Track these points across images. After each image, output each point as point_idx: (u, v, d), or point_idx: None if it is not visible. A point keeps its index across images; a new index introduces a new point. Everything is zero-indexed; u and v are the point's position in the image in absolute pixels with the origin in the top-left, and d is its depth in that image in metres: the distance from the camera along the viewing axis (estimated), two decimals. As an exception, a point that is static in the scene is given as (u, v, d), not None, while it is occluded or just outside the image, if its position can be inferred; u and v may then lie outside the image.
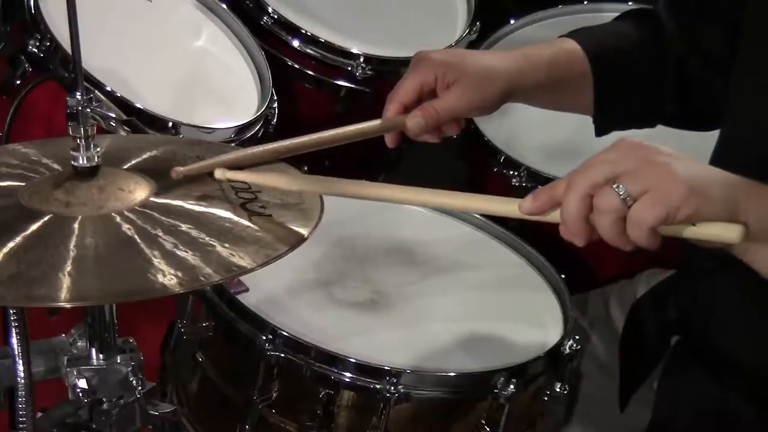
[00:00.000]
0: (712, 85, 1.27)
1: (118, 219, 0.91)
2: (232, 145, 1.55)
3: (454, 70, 1.20)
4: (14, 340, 0.99)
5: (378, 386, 1.20)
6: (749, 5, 1.17)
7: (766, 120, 1.13)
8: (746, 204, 0.93)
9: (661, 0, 1.33)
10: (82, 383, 1.01)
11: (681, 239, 0.93)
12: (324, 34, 1.85)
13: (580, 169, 0.93)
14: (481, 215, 1.54)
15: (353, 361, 1.21)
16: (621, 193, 0.90)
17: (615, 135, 1.33)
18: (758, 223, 0.93)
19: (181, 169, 0.99)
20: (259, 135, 1.65)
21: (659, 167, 0.91)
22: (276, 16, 1.84)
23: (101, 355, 1.03)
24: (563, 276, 1.44)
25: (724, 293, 1.20)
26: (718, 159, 1.22)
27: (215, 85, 1.72)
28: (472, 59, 1.23)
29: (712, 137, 1.26)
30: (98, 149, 0.96)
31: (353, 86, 1.86)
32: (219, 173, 1.01)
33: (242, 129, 1.61)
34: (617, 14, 1.41)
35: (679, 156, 0.93)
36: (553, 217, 0.95)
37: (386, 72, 1.85)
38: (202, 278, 0.85)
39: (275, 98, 1.72)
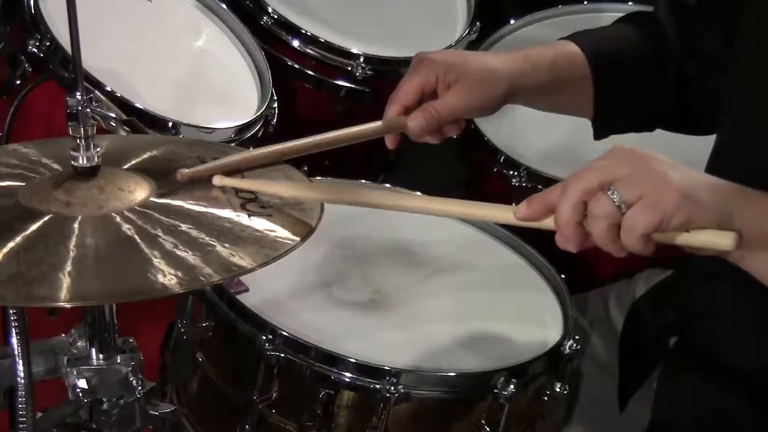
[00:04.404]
0: (712, 88, 1.27)
1: (118, 219, 0.91)
2: (232, 145, 1.55)
3: (455, 71, 1.20)
4: (14, 340, 0.99)
5: (378, 386, 1.20)
6: (747, 6, 1.17)
7: (764, 121, 1.13)
8: (741, 211, 0.93)
9: (661, 2, 1.33)
10: (82, 383, 1.01)
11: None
12: (324, 34, 1.85)
13: (574, 175, 0.93)
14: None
15: (353, 361, 1.21)
16: (615, 200, 0.90)
17: (615, 137, 1.33)
18: (753, 231, 0.93)
19: (187, 171, 0.99)
20: (259, 135, 1.65)
21: (654, 174, 0.91)
22: (276, 16, 1.84)
23: (101, 355, 1.03)
24: (563, 276, 1.44)
25: (722, 295, 1.20)
26: (715, 160, 1.21)
27: (215, 85, 1.72)
28: (473, 60, 1.23)
29: (704, 142, 1.27)
30: (98, 149, 0.96)
31: (353, 86, 1.86)
32: (217, 180, 1.00)
33: (242, 129, 1.61)
34: (617, 14, 1.41)
35: (674, 163, 0.93)
36: (548, 224, 0.95)
37: (386, 72, 1.85)
38: (202, 278, 0.85)
39: (275, 98, 1.72)
